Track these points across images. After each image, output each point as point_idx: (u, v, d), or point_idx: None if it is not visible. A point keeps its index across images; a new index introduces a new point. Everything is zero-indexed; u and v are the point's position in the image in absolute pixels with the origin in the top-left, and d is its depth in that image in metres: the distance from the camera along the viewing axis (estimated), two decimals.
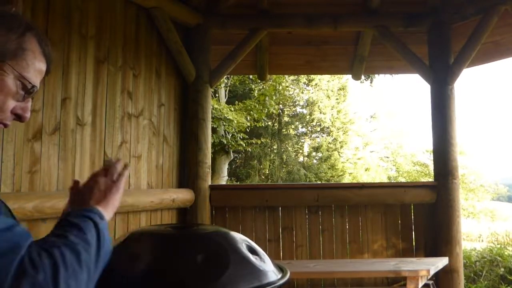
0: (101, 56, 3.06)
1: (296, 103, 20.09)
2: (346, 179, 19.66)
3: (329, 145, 20.11)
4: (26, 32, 0.86)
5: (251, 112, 12.13)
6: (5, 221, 0.76)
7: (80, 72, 2.87)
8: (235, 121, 11.25)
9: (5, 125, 0.89)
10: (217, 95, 12.50)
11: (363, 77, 6.62)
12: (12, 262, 0.70)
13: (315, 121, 20.16)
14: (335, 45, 4.78)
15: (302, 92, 19.71)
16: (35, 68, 0.89)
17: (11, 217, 0.88)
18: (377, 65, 5.04)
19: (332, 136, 20.31)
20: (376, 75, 14.53)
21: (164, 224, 1.63)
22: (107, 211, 0.97)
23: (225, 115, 11.02)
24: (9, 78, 0.84)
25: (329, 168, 19.46)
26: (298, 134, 20.90)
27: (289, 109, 19.92)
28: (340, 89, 20.19)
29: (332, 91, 19.90)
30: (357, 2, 4.24)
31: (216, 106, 11.17)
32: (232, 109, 11.84)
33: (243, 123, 11.60)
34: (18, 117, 0.90)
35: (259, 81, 11.33)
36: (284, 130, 19.72)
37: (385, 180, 21.36)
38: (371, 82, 15.25)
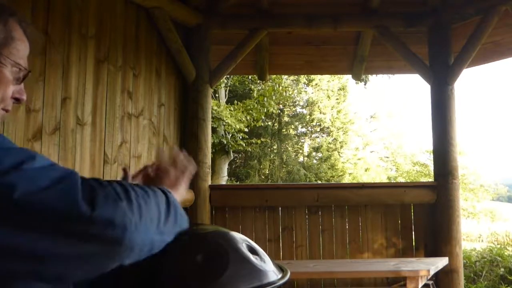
0: (101, 56, 3.06)
1: (296, 103, 20.09)
2: (346, 179, 19.65)
3: (329, 145, 20.11)
4: (9, 18, 0.87)
5: (251, 112, 12.13)
6: (49, 159, 0.76)
7: (80, 72, 2.87)
8: (233, 125, 11.26)
9: (7, 111, 0.92)
10: (217, 95, 12.50)
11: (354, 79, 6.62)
12: (75, 183, 0.70)
13: (315, 121, 20.16)
14: (335, 45, 4.78)
15: (300, 93, 19.70)
16: (25, 53, 0.91)
17: None
18: (377, 65, 5.04)
19: (332, 136, 20.30)
20: (371, 77, 14.53)
21: None
22: (176, 196, 0.99)
23: (224, 118, 11.03)
24: (6, 69, 0.86)
25: (329, 168, 19.45)
26: (298, 134, 20.90)
27: (289, 109, 19.91)
28: (340, 89, 20.19)
29: (332, 91, 19.90)
30: (357, 2, 4.24)
31: (215, 107, 11.17)
32: (232, 108, 11.84)
33: (242, 123, 11.59)
34: (17, 100, 0.94)
35: (259, 81, 11.33)
36: (284, 130, 19.72)
37: (385, 180, 21.34)
38: (365, 84, 15.26)
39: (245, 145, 13.30)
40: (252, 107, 12.12)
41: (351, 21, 4.20)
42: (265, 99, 12.40)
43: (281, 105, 18.25)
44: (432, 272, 3.34)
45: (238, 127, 11.45)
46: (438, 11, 4.06)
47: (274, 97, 13.44)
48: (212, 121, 4.92)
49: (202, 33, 4.03)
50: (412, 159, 22.01)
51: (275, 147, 19.02)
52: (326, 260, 3.94)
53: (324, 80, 19.46)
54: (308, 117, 20.08)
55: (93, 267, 0.74)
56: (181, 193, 1.03)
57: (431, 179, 4.66)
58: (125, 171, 1.09)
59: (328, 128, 20.35)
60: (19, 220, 0.66)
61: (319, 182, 17.25)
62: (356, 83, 17.66)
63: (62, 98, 2.73)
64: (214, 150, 11.11)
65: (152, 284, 1.10)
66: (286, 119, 19.79)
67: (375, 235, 4.07)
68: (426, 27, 4.13)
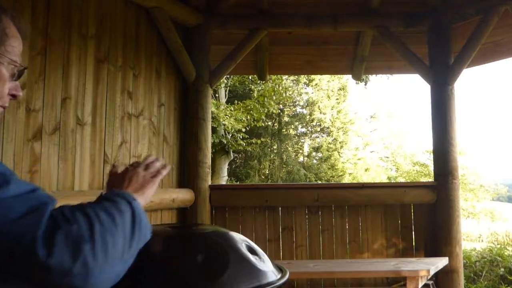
0: (101, 56, 3.06)
1: (296, 103, 20.09)
2: (346, 179, 19.65)
3: (329, 145, 20.11)
4: (2, 15, 0.87)
5: (251, 112, 12.13)
6: (29, 184, 0.76)
7: (80, 72, 2.87)
8: (231, 126, 11.27)
9: (4, 108, 0.92)
10: (217, 95, 12.50)
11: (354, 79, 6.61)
12: (41, 217, 0.69)
13: (315, 121, 20.16)
14: (335, 45, 4.78)
15: (301, 95, 19.69)
16: (19, 49, 0.91)
17: None
18: (377, 65, 5.04)
19: (332, 136, 20.30)
20: (371, 77, 14.53)
21: (164, 224, 1.63)
22: (140, 200, 0.97)
23: (221, 120, 11.04)
24: (3, 67, 0.86)
25: (329, 168, 19.45)
26: (298, 134, 20.90)
27: (289, 109, 19.92)
28: (340, 89, 20.19)
29: (332, 91, 19.89)
30: (357, 2, 4.24)
31: (213, 109, 11.17)
32: (232, 108, 11.84)
33: (241, 123, 11.59)
34: (14, 97, 0.93)
35: (259, 81, 11.33)
36: (284, 130, 19.72)
37: (385, 180, 21.34)
38: (365, 84, 15.27)
39: (245, 145, 13.30)
40: (252, 107, 12.12)
41: (351, 21, 4.20)
42: (265, 99, 12.41)
43: (281, 105, 18.24)
44: (432, 272, 3.34)
45: (236, 127, 11.45)
46: (438, 11, 4.06)
47: (274, 97, 13.43)
48: (212, 121, 4.92)
49: (202, 33, 4.03)
50: (412, 159, 22.00)
51: (275, 147, 19.02)
52: (326, 260, 3.94)
53: (324, 80, 19.45)
54: (308, 117, 20.08)
55: None
56: (147, 196, 1.01)
57: (431, 179, 4.66)
58: (114, 166, 1.10)
59: (328, 128, 20.35)
60: None
61: (319, 182, 17.25)
62: (356, 83, 17.68)
63: (62, 98, 2.73)
64: (214, 150, 11.11)
65: (153, 284, 1.10)
66: (286, 119, 19.79)
67: (375, 235, 4.06)
68: (426, 27, 4.12)
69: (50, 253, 0.67)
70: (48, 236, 0.68)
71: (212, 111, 10.76)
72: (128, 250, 0.81)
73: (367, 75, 12.57)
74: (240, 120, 11.62)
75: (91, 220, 0.74)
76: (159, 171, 1.08)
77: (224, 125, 11.24)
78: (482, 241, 11.24)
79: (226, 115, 11.28)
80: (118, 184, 1.00)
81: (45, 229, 0.68)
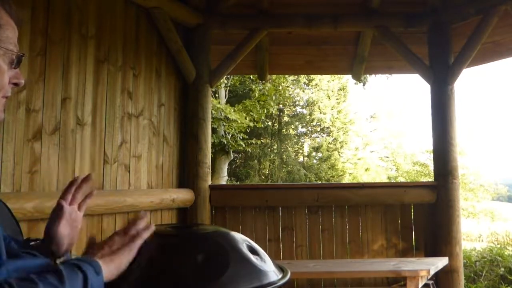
0: (101, 56, 3.06)
1: (296, 103, 20.09)
2: (346, 179, 19.66)
3: (329, 145, 20.11)
4: None
5: (251, 112, 12.14)
6: None
7: (80, 72, 2.87)
8: (239, 121, 11.23)
9: (7, 97, 0.91)
10: (217, 95, 12.50)
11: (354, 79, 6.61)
12: None
13: (315, 121, 20.17)
14: (335, 45, 4.78)
15: (303, 91, 19.70)
16: (15, 38, 0.90)
17: (11, 218, 0.87)
18: (377, 65, 5.04)
19: (332, 136, 20.31)
20: (371, 77, 14.55)
21: (164, 224, 1.63)
22: (109, 269, 0.90)
23: (227, 115, 11.02)
24: (0, 58, 0.86)
25: (329, 168, 19.46)
26: (298, 134, 20.90)
27: (289, 109, 19.92)
28: (340, 89, 20.20)
29: (332, 91, 19.90)
30: (357, 2, 4.24)
31: (218, 106, 11.17)
32: (235, 109, 11.85)
33: (245, 123, 11.60)
34: (15, 85, 0.93)
35: (259, 81, 11.34)
36: (284, 130, 19.72)
37: (385, 180, 21.34)
38: (363, 85, 15.29)
39: (245, 145, 13.30)
40: (252, 107, 12.13)
41: (351, 21, 4.20)
42: (268, 98, 12.42)
43: (281, 105, 18.25)
44: (432, 272, 3.34)
45: (245, 125, 11.44)
46: (438, 11, 4.06)
47: (274, 98, 13.44)
48: (212, 121, 4.91)
49: (202, 33, 4.03)
50: (412, 159, 22.01)
51: (275, 147, 19.02)
52: (326, 260, 3.94)
53: (324, 80, 19.46)
54: (308, 117, 20.08)
55: None
56: (119, 263, 0.93)
57: (431, 179, 4.66)
58: (91, 240, 1.02)
59: (328, 128, 20.36)
60: None
61: (319, 182, 17.26)
62: (355, 83, 17.71)
63: (62, 98, 2.73)
64: (214, 150, 11.11)
65: (153, 284, 1.10)
66: (286, 119, 19.79)
67: (375, 235, 4.06)
68: (426, 27, 4.13)
69: None
70: None
71: (217, 108, 10.78)
72: None
73: (366, 76, 12.58)
74: (245, 118, 11.62)
75: None
76: (138, 234, 1.00)
77: (234, 120, 11.19)
78: (482, 241, 11.24)
79: (231, 112, 11.27)
80: (92, 249, 0.95)
81: None
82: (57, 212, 1.08)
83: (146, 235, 1.01)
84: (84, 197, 1.14)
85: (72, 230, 1.10)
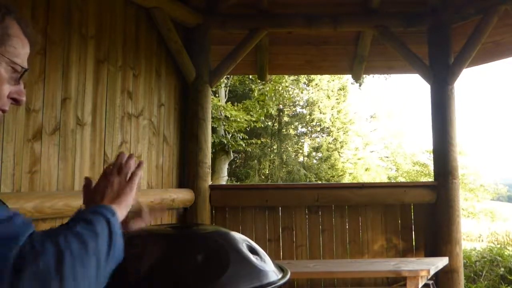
0: (101, 56, 3.06)
1: (296, 103, 20.09)
2: (346, 179, 19.65)
3: (329, 145, 20.11)
4: (5, 16, 0.85)
5: (251, 112, 12.14)
6: (4, 212, 0.75)
7: (80, 72, 2.87)
8: (240, 118, 11.23)
9: (4, 111, 0.89)
10: (217, 95, 12.50)
11: (352, 79, 6.62)
12: (10, 251, 0.68)
13: (315, 121, 20.16)
14: (335, 45, 4.78)
15: (302, 92, 19.70)
16: (22, 52, 0.89)
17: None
18: (377, 65, 5.04)
19: (332, 136, 20.30)
20: (370, 77, 14.58)
21: (164, 224, 1.63)
22: (120, 210, 0.94)
23: (229, 113, 11.03)
24: (1, 67, 0.84)
25: (329, 168, 19.46)
26: (298, 134, 20.90)
27: (289, 109, 19.91)
28: (340, 89, 20.19)
29: (332, 91, 19.89)
30: (357, 2, 4.23)
31: (219, 104, 11.18)
32: (236, 108, 11.85)
33: (247, 121, 11.59)
34: (15, 101, 0.91)
35: (259, 81, 11.34)
36: (284, 130, 19.72)
37: (385, 180, 21.34)
38: (360, 86, 15.30)
39: (245, 145, 13.29)
40: (252, 107, 12.13)
41: (351, 21, 4.20)
42: (266, 98, 12.42)
43: (281, 105, 18.25)
44: (432, 272, 3.34)
45: (245, 124, 11.44)
46: (438, 11, 4.05)
47: (274, 98, 13.44)
48: (212, 121, 4.91)
49: (202, 33, 4.03)
50: (412, 159, 22.01)
51: (275, 147, 19.02)
52: (326, 260, 3.94)
53: (324, 80, 19.45)
54: (308, 117, 20.07)
55: None
56: (127, 203, 0.98)
57: (431, 179, 4.66)
58: (87, 180, 1.04)
59: (328, 128, 20.35)
60: None
61: (319, 182, 17.25)
62: (351, 83, 17.74)
63: (62, 98, 2.73)
64: (214, 150, 11.11)
65: (153, 284, 1.10)
66: (286, 119, 19.79)
67: (375, 235, 4.06)
68: (426, 27, 4.12)
69: None
70: (14, 274, 0.67)
71: (219, 107, 10.77)
72: (102, 273, 0.79)
73: (362, 77, 12.59)
74: (245, 119, 11.63)
75: (61, 252, 0.72)
76: (134, 172, 1.03)
77: (234, 118, 11.19)
78: (482, 241, 11.24)
79: (232, 110, 11.27)
80: (94, 198, 0.97)
81: (13, 263, 0.67)
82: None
83: (140, 171, 1.05)
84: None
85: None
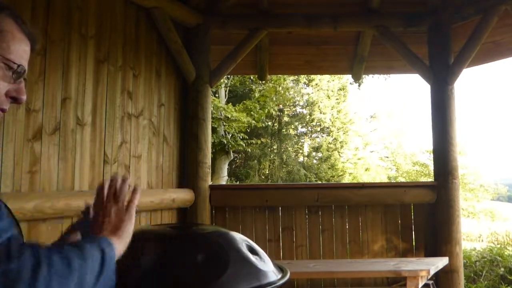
0: (101, 56, 3.06)
1: (296, 103, 20.08)
2: (346, 179, 19.65)
3: (329, 145, 20.11)
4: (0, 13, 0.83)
5: (251, 112, 12.14)
6: None
7: (80, 72, 2.87)
8: (241, 119, 11.23)
9: (3, 110, 0.86)
10: (217, 95, 12.50)
11: (352, 79, 6.62)
12: None
13: (315, 121, 20.16)
14: (335, 45, 4.78)
15: (301, 93, 19.70)
16: (17, 48, 0.86)
17: (11, 217, 0.86)
18: (377, 65, 5.04)
19: (332, 136, 20.30)
20: (369, 77, 14.61)
21: (164, 224, 1.63)
22: (120, 242, 0.90)
23: (229, 114, 11.03)
24: None
25: (329, 168, 19.45)
26: (298, 134, 20.90)
27: (289, 109, 19.91)
28: (340, 89, 20.19)
29: (332, 91, 19.89)
30: (357, 2, 4.24)
31: (219, 105, 11.18)
32: (236, 109, 11.86)
33: (247, 123, 11.60)
34: (14, 100, 0.88)
35: (260, 81, 11.34)
36: (284, 130, 19.71)
37: (385, 180, 21.34)
38: (359, 86, 15.31)
39: (245, 145, 13.30)
40: (252, 107, 12.13)
41: (351, 21, 4.20)
42: (267, 98, 12.43)
43: (281, 105, 18.25)
44: (432, 272, 3.34)
45: (245, 124, 11.44)
46: (438, 11, 4.05)
47: (274, 98, 13.44)
48: (212, 121, 4.91)
49: (202, 33, 4.03)
50: (412, 159, 22.01)
51: (275, 147, 19.02)
52: (326, 260, 3.94)
53: (324, 80, 19.45)
54: (308, 117, 20.07)
55: None
56: (126, 234, 0.93)
57: (431, 179, 4.66)
58: (86, 208, 1.02)
59: (328, 128, 20.35)
60: None
61: (319, 182, 17.25)
62: (350, 83, 17.74)
63: (62, 98, 2.73)
64: (214, 150, 11.12)
65: (154, 284, 1.10)
66: (286, 119, 19.78)
67: (375, 235, 4.06)
68: (426, 27, 4.13)
69: None
70: None
71: (219, 108, 10.76)
72: None
73: (362, 77, 12.60)
74: (246, 120, 11.64)
75: (38, 262, 0.69)
76: (131, 200, 0.99)
77: (234, 119, 11.20)
78: (482, 241, 11.24)
79: (232, 110, 11.28)
80: (93, 230, 0.93)
81: None
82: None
83: (137, 198, 1.00)
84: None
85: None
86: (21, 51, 0.87)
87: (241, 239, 1.26)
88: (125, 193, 1.00)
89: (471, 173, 19.53)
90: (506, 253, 6.04)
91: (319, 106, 19.75)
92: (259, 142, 16.21)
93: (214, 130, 11.04)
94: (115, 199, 0.98)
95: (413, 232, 4.08)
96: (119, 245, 0.89)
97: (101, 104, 3.04)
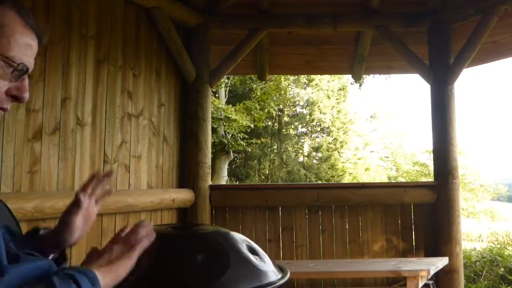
0: (101, 56, 3.06)
1: (296, 103, 20.10)
2: (346, 179, 19.66)
3: (329, 145, 20.12)
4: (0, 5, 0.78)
5: (252, 112, 12.14)
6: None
7: (80, 72, 2.87)
8: (241, 121, 11.23)
9: (4, 109, 0.82)
10: (217, 95, 12.50)
11: (352, 80, 6.63)
12: None
13: (315, 121, 20.18)
14: (335, 45, 4.78)
15: (303, 89, 19.70)
16: (19, 44, 0.81)
17: (11, 218, 0.85)
18: (377, 65, 5.04)
19: (332, 136, 20.31)
20: (369, 77, 14.62)
21: (164, 224, 1.63)
22: (105, 280, 0.86)
23: (229, 115, 11.03)
24: None
25: (329, 168, 19.46)
26: (298, 134, 20.91)
27: (289, 109, 19.92)
28: (340, 89, 20.20)
29: (332, 91, 19.90)
30: (357, 2, 4.24)
31: (219, 106, 11.18)
32: (236, 109, 11.85)
33: (247, 124, 11.60)
34: (16, 98, 0.84)
35: (260, 81, 11.34)
36: (284, 130, 19.72)
37: (385, 180, 21.35)
38: (360, 86, 15.32)
39: (245, 145, 13.30)
40: (253, 108, 12.14)
41: (351, 21, 4.20)
42: (268, 98, 12.44)
43: (281, 105, 18.25)
44: (432, 272, 3.34)
45: (244, 124, 11.44)
46: (438, 11, 4.05)
47: (274, 98, 13.45)
48: (212, 121, 4.91)
49: (202, 33, 4.03)
50: (412, 159, 22.03)
51: (275, 147, 19.02)
52: (326, 260, 3.94)
53: (324, 80, 19.46)
54: (308, 117, 20.08)
55: None
56: (118, 273, 0.90)
57: (431, 179, 4.66)
58: (93, 250, 0.98)
59: (328, 128, 20.36)
60: None
61: (319, 182, 17.25)
62: (351, 83, 17.75)
63: (62, 98, 2.73)
64: (214, 150, 11.12)
65: (154, 284, 1.10)
66: (286, 119, 19.79)
67: (375, 235, 4.06)
68: (426, 27, 4.12)
69: None
70: None
71: (219, 108, 10.76)
72: None
73: (363, 77, 12.61)
74: (246, 119, 11.64)
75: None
76: (138, 242, 0.96)
77: (235, 120, 11.20)
78: (482, 241, 11.24)
79: (232, 112, 11.28)
80: (90, 259, 0.92)
81: None
82: (76, 204, 1.06)
83: (146, 243, 0.98)
84: (102, 193, 1.13)
85: (85, 224, 1.08)
86: (23, 46, 0.82)
87: (241, 239, 1.26)
88: (136, 238, 0.98)
89: (471, 173, 19.55)
90: (506, 253, 6.04)
91: (319, 106, 19.76)
92: (259, 142, 16.22)
93: (214, 130, 11.04)
94: (124, 240, 0.97)
95: (413, 232, 4.08)
96: (105, 280, 0.86)
97: (101, 104, 3.04)
